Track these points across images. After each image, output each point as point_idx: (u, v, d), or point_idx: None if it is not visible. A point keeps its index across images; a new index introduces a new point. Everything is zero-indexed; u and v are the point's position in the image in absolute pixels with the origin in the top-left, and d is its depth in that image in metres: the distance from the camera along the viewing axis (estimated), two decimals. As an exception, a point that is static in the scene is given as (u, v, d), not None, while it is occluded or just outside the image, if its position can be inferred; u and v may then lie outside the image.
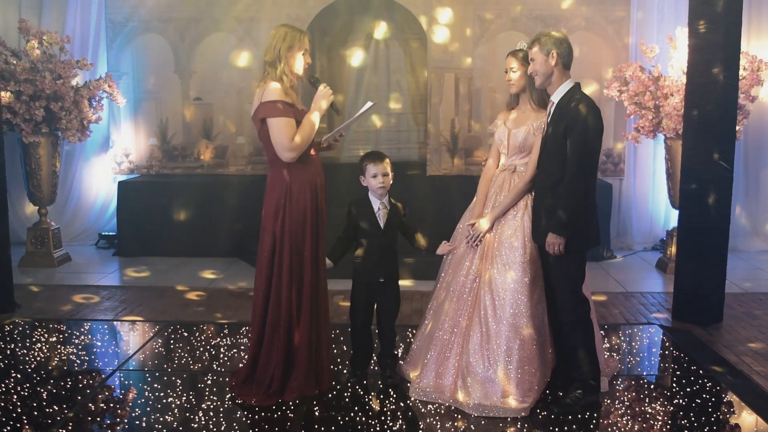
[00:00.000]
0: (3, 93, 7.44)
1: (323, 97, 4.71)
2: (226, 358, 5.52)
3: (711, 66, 6.05)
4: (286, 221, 4.63)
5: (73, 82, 8.15)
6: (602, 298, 7.05)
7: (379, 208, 4.92)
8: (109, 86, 8.37)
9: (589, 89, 8.68)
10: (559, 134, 4.43)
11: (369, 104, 4.83)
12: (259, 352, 4.77)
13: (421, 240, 5.06)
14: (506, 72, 4.93)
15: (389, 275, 5.00)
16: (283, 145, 4.55)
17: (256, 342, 4.77)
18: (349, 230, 4.99)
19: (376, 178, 4.86)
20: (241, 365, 4.87)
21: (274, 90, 4.58)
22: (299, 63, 4.68)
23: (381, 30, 9.53)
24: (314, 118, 4.65)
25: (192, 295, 7.26)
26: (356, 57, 9.58)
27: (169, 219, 8.90)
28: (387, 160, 4.91)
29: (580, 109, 4.38)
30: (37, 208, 8.55)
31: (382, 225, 4.92)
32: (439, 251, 5.03)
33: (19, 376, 5.16)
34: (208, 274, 8.10)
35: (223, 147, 9.34)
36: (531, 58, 4.60)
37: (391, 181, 4.94)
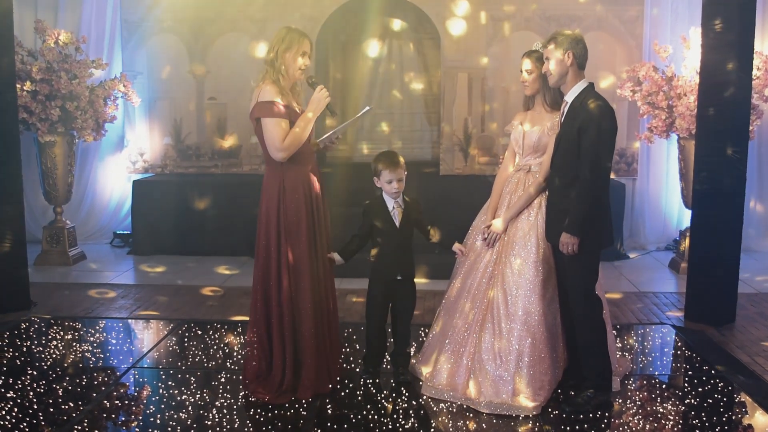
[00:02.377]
0: (21, 93, 7.50)
1: (319, 99, 4.73)
2: (239, 356, 5.55)
3: (725, 66, 6.04)
4: (280, 220, 4.69)
5: (89, 82, 8.20)
6: (617, 296, 7.04)
7: (393, 207, 4.95)
8: (124, 86, 8.42)
9: (605, 82, 8.67)
10: (572, 134, 4.43)
11: (365, 108, 4.91)
12: (269, 350, 4.80)
13: (436, 234, 5.09)
14: (521, 72, 4.95)
15: (406, 273, 5.03)
16: (274, 145, 4.61)
17: (264, 341, 4.80)
18: (364, 229, 5.03)
19: (391, 184, 4.89)
20: (254, 363, 4.89)
21: (270, 90, 4.64)
22: (296, 65, 4.71)
23: (394, 29, 9.55)
24: (308, 119, 4.69)
25: (206, 294, 7.30)
26: (370, 57, 9.58)
27: (184, 218, 8.94)
28: (403, 165, 4.94)
29: (593, 110, 4.37)
30: (53, 206, 8.62)
31: (397, 224, 4.95)
32: (454, 248, 5.05)
33: (35, 373, 5.21)
34: (222, 273, 8.14)
35: (236, 146, 9.38)
36: (546, 57, 4.58)
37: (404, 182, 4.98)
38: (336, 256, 4.97)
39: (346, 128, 5.01)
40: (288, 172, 4.71)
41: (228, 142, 9.35)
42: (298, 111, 4.73)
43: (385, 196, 4.97)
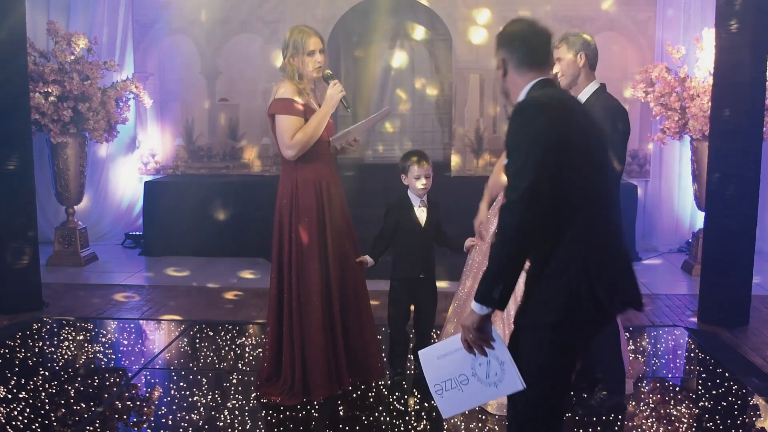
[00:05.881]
0: (34, 95, 7.53)
1: (332, 94, 4.69)
2: (251, 358, 5.55)
3: (739, 67, 6.01)
4: (293, 220, 4.68)
5: (100, 83, 8.21)
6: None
7: (419, 206, 4.98)
8: (135, 87, 8.43)
9: (628, 92, 8.61)
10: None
11: (383, 110, 4.88)
12: (279, 351, 4.80)
13: (452, 241, 5.11)
14: None
15: (428, 271, 5.06)
16: (283, 142, 4.62)
17: (275, 341, 4.80)
18: (388, 228, 5.04)
19: (420, 180, 4.93)
20: (266, 364, 4.89)
21: (287, 88, 4.63)
22: (306, 65, 4.66)
23: (406, 31, 9.54)
24: (321, 116, 4.66)
25: (217, 295, 7.30)
26: (382, 58, 9.59)
27: (195, 219, 8.93)
28: (429, 162, 4.99)
29: (607, 111, 4.35)
30: (65, 207, 8.63)
31: (422, 223, 4.98)
32: (466, 245, 5.05)
33: (47, 373, 5.22)
34: (235, 274, 8.14)
35: (248, 147, 9.40)
36: (558, 57, 4.54)
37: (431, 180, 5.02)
38: (368, 258, 4.97)
39: (361, 128, 4.97)
40: (301, 171, 4.69)
41: (247, 152, 9.36)
42: (315, 110, 4.72)
43: (410, 194, 5.00)
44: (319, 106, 4.74)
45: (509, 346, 2.95)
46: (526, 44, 2.97)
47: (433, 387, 3.09)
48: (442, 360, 3.09)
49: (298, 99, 4.61)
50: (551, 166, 2.73)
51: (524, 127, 2.79)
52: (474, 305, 2.84)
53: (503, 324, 4.74)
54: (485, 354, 2.92)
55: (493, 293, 2.78)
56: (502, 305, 2.82)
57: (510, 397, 3.02)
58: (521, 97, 2.94)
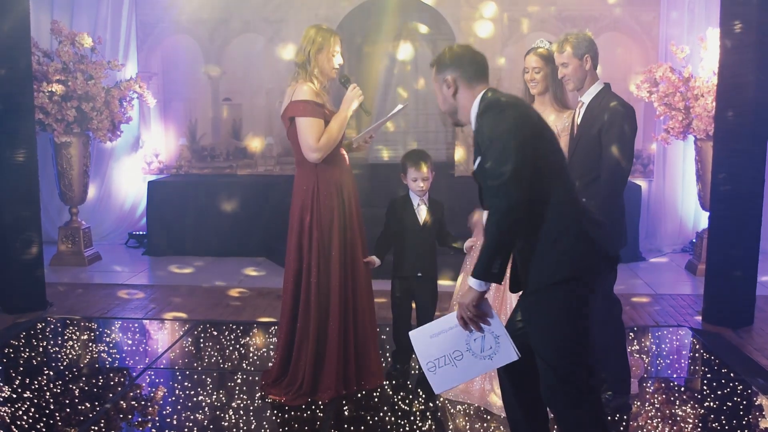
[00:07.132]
0: (38, 94, 7.53)
1: (352, 97, 4.71)
2: (255, 357, 5.55)
3: (743, 66, 5.99)
4: (313, 222, 4.66)
5: (104, 83, 8.21)
6: (645, 299, 7.00)
7: (418, 204, 5.05)
8: (139, 87, 8.43)
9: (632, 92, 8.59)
10: (592, 136, 4.39)
11: (400, 106, 4.87)
12: (289, 351, 4.79)
13: (455, 241, 5.11)
14: (527, 72, 4.80)
15: (427, 271, 5.10)
16: (308, 146, 4.58)
17: (286, 342, 4.80)
18: (390, 226, 5.11)
19: (416, 182, 5.00)
20: (270, 364, 4.89)
21: (305, 89, 4.60)
22: (329, 65, 4.68)
23: (410, 31, 9.53)
24: (342, 118, 4.66)
25: (221, 294, 7.30)
26: (385, 58, 9.58)
27: (199, 219, 8.94)
28: (428, 164, 5.03)
29: (615, 111, 4.33)
30: (68, 207, 8.63)
31: (421, 221, 5.04)
32: (466, 247, 5.05)
33: (51, 373, 5.22)
34: (238, 273, 8.14)
35: (252, 147, 9.40)
36: (563, 62, 4.48)
37: (431, 182, 5.06)
38: (375, 258, 4.99)
39: (380, 126, 5.00)
40: (322, 173, 4.68)
41: (251, 152, 9.37)
42: (331, 111, 4.71)
43: (411, 193, 5.07)
44: (333, 108, 4.74)
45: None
46: (473, 62, 3.35)
47: (426, 364, 3.30)
48: (435, 339, 3.31)
49: (317, 101, 4.61)
50: (528, 150, 3.04)
51: (496, 122, 3.12)
52: (472, 282, 3.11)
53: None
54: (481, 330, 3.21)
55: (491, 268, 3.05)
56: (499, 279, 3.08)
57: (542, 382, 3.23)
58: (474, 107, 3.30)
